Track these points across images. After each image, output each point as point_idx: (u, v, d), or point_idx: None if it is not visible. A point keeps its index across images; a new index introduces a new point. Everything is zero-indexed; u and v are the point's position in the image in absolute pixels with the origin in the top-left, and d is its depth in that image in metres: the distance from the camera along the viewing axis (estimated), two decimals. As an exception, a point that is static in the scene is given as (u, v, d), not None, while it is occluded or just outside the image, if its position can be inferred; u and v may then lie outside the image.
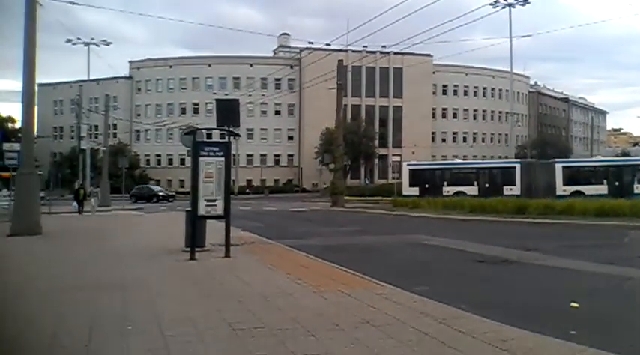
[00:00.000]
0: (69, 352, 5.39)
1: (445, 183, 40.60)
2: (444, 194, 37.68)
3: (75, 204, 35.53)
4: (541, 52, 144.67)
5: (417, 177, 42.28)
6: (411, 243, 16.59)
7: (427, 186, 40.40)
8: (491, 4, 41.61)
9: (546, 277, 10.59)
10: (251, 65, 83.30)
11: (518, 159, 50.58)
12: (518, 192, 35.92)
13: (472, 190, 38.47)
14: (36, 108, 21.74)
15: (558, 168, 38.06)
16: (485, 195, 33.18)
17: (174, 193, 61.92)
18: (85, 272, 10.42)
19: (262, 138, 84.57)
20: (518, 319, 6.45)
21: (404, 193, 41.13)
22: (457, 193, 37.60)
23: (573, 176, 37.82)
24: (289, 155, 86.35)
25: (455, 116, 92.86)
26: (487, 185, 38.87)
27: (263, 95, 77.85)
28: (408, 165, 45.27)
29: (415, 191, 40.38)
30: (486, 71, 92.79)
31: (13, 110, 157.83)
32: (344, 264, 10.60)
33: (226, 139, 13.03)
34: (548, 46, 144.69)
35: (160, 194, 58.70)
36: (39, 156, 48.78)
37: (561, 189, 36.03)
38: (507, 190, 36.41)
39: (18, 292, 8.44)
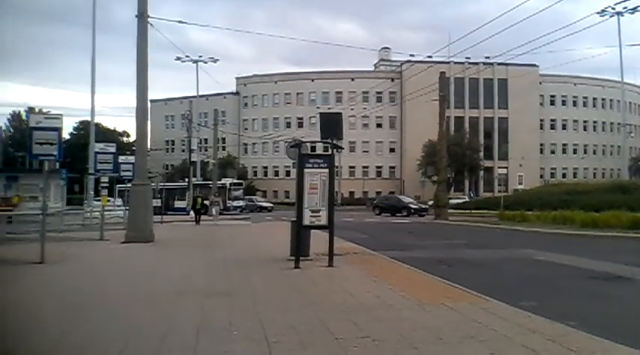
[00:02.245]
0: (176, 355, 5.60)
1: None
2: None
3: (192, 212, 36.05)
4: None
5: None
6: (518, 257, 16.06)
7: None
8: (598, 13, 39.77)
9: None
10: (353, 79, 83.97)
11: None
12: None
13: None
14: (149, 123, 22.89)
15: None
16: None
17: (426, 206, 49.07)
18: (193, 278, 10.81)
19: (364, 151, 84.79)
20: (630, 339, 6.12)
21: None
22: None
23: None
24: (391, 167, 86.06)
25: (564, 127, 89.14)
26: None
27: (365, 108, 78.05)
28: None
29: None
30: (595, 81, 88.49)
31: (127, 124, 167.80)
32: (448, 278, 10.46)
33: (330, 152, 13.17)
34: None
35: (412, 206, 48.16)
36: (152, 167, 51.47)
37: None
38: None
39: (130, 296, 8.88)
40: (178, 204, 49.89)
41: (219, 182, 51.02)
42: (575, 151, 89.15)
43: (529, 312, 7.50)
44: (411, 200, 51.18)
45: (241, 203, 55.17)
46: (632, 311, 8.64)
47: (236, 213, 49.96)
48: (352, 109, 70.90)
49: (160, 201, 37.37)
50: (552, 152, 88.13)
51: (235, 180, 56.55)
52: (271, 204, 64.65)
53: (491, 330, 6.53)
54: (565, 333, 6.39)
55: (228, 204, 51.53)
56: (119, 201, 34.90)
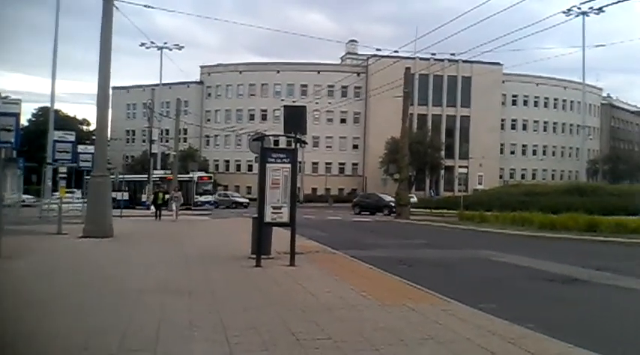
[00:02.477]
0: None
1: None
2: None
3: (152, 208, 34.94)
4: (614, 62, 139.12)
5: None
6: (477, 258, 16.26)
7: None
8: (564, 12, 40.51)
9: (618, 298, 10.30)
10: (318, 72, 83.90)
11: None
12: None
13: None
14: (110, 111, 22.42)
15: None
16: None
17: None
18: (153, 275, 10.67)
19: (328, 147, 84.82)
20: (587, 341, 6.28)
21: None
22: None
23: None
24: (354, 164, 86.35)
25: (524, 128, 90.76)
26: None
27: (330, 103, 78.11)
28: None
29: None
30: (557, 81, 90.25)
31: (87, 112, 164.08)
32: (409, 278, 10.51)
33: (293, 146, 13.09)
34: (622, 57, 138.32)
35: (393, 205, 43.72)
36: (111, 158, 50.62)
37: None
38: None
39: (88, 293, 8.69)
40: (145, 197, 48.81)
41: (185, 175, 49.96)
42: (534, 152, 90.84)
43: (489, 314, 7.60)
44: (392, 199, 47.97)
45: (210, 198, 53.25)
46: (588, 314, 8.82)
47: (206, 208, 48.04)
48: (317, 103, 70.87)
49: (124, 194, 36.51)
50: (512, 152, 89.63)
51: (204, 173, 55.33)
52: (247, 200, 60.84)
53: (452, 332, 6.59)
54: (524, 335, 6.48)
55: (196, 199, 49.89)
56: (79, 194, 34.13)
